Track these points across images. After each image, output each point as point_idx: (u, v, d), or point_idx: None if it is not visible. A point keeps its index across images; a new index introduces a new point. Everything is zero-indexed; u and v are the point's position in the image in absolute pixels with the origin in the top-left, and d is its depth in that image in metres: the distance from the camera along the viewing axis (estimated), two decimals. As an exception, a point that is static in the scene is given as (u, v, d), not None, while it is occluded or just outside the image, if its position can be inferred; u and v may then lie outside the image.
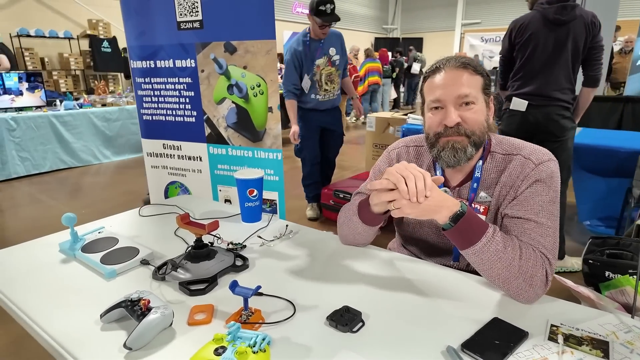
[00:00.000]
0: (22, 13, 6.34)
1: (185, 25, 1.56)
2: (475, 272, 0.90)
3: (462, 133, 0.88)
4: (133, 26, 1.65)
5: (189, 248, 0.95)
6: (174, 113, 1.72)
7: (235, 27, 1.48)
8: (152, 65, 1.68)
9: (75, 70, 6.94)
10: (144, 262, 0.98)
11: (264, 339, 0.65)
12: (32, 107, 4.50)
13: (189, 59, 1.61)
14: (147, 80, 1.72)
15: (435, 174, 0.99)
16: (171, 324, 0.74)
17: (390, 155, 1.08)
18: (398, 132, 3.52)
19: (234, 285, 0.76)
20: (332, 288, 0.87)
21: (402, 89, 10.31)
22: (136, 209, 1.37)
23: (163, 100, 1.72)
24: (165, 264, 0.96)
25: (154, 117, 1.77)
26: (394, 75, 9.18)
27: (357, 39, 13.64)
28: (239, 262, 0.97)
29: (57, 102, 4.78)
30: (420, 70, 9.88)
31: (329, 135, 2.93)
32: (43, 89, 4.60)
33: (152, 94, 1.73)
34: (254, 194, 1.21)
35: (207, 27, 1.53)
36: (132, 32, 1.66)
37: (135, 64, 1.71)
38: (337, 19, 2.42)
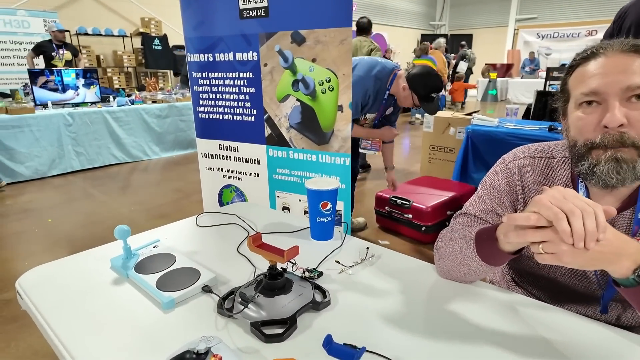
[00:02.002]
0: (80, 12, 6.59)
1: (248, 13, 1.40)
2: (629, 327, 0.66)
3: (629, 143, 0.64)
4: (191, 15, 1.52)
5: (262, 276, 0.78)
6: (232, 111, 1.57)
7: (305, 13, 1.31)
8: (211, 59, 1.54)
9: (127, 67, 7.15)
10: (206, 290, 0.83)
11: None
12: (87, 103, 4.61)
13: (251, 52, 1.45)
14: (204, 75, 1.59)
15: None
16: (248, 385, 0.57)
17: (509, 169, 0.85)
18: (460, 134, 3.24)
19: (328, 343, 0.58)
20: (449, 343, 0.66)
21: (448, 87, 9.84)
22: (193, 217, 1.24)
23: (221, 97, 1.58)
24: (231, 293, 0.80)
25: (210, 116, 1.64)
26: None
27: (403, 36, 13.25)
28: (319, 297, 0.79)
29: (111, 98, 4.88)
30: (469, 69, 9.35)
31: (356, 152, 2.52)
32: (98, 86, 4.70)
33: (209, 91, 1.60)
34: (328, 207, 1.03)
35: (274, 14, 1.36)
36: (190, 22, 1.53)
37: (192, 58, 1.59)
38: (435, 111, 2.08)
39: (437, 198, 2.68)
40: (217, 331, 0.71)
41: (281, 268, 0.86)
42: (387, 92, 2.08)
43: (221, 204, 1.76)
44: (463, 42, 9.46)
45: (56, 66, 4.75)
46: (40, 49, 4.81)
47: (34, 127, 4.02)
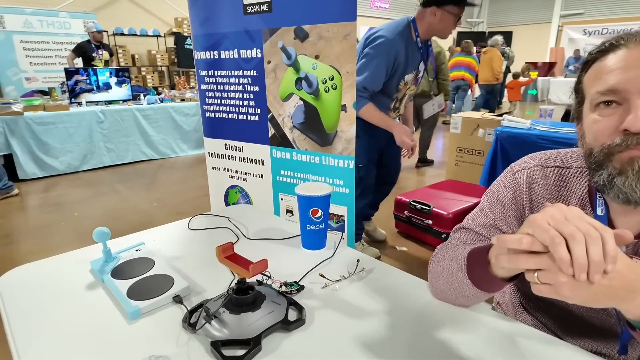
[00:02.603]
0: (118, 13, 6.85)
1: (252, 9, 1.35)
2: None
3: None
4: (198, 11, 1.49)
5: (230, 291, 0.72)
6: (237, 110, 1.53)
7: (308, 8, 1.24)
8: (216, 57, 1.51)
9: (161, 66, 7.36)
10: (177, 300, 0.78)
11: None
12: (119, 100, 4.76)
13: (255, 49, 1.40)
14: (210, 73, 1.56)
15: (595, 213, 0.64)
16: (189, 417, 0.51)
17: (517, 179, 0.74)
18: (489, 136, 3.06)
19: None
20: (426, 381, 0.58)
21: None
22: (186, 220, 1.20)
23: (226, 95, 1.54)
24: (200, 306, 0.74)
25: (216, 115, 1.61)
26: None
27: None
28: (292, 316, 0.72)
29: (141, 96, 5.02)
30: (507, 68, 8.89)
31: (390, 154, 2.22)
32: (129, 84, 4.85)
33: (215, 89, 1.56)
34: (318, 214, 0.95)
35: (277, 9, 1.30)
36: (197, 18, 1.50)
37: (198, 55, 1.56)
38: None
39: (460, 204, 2.54)
40: (177, 347, 0.65)
41: (256, 280, 0.80)
42: (418, 38, 1.82)
43: (227, 204, 1.73)
44: (497, 37, 9.03)
45: (97, 66, 4.96)
46: (80, 50, 5.03)
47: (68, 124, 4.20)
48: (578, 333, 0.70)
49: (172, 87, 7.02)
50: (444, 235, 2.42)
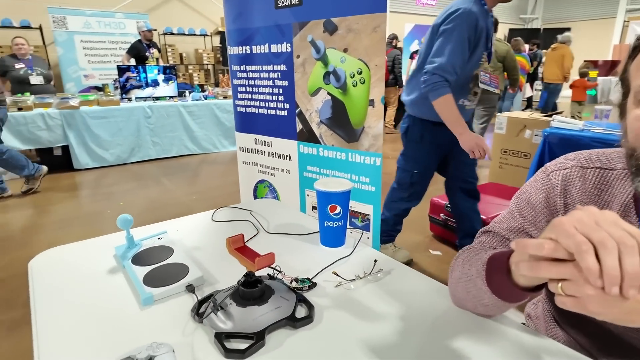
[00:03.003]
0: (168, 14, 7.17)
1: (283, 3, 1.35)
2: None
3: None
4: (231, 7, 1.51)
5: (238, 283, 0.71)
6: (267, 105, 1.54)
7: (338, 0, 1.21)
8: (248, 52, 1.52)
9: (207, 64, 7.62)
10: (189, 289, 0.78)
11: None
12: (166, 97, 4.98)
13: (285, 43, 1.40)
14: (242, 68, 1.57)
15: (640, 222, 0.56)
16: (182, 407, 0.51)
17: (551, 180, 0.67)
18: (537, 137, 2.86)
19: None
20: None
21: (538, 86, 8.88)
22: (211, 211, 1.22)
23: (257, 90, 1.55)
24: (210, 296, 0.74)
25: (247, 109, 1.62)
26: (531, 70, 7.91)
27: (488, 31, 12.27)
28: (300, 313, 0.70)
29: (187, 93, 5.22)
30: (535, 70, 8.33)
31: (457, 161, 1.93)
32: (175, 81, 5.06)
33: (246, 84, 1.58)
34: (337, 211, 0.93)
35: (307, 2, 1.29)
36: (230, 14, 1.52)
37: (232, 50, 1.58)
38: None
39: (501, 208, 2.40)
40: (183, 337, 0.65)
41: (267, 274, 0.79)
42: (485, 6, 1.62)
43: (255, 198, 1.74)
44: (559, 36, 8.49)
45: (150, 64, 5.25)
46: (134, 50, 5.34)
47: (119, 118, 4.45)
48: (616, 354, 0.62)
49: (217, 84, 7.25)
50: (481, 241, 2.29)
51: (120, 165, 4.59)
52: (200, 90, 5.63)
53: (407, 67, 6.34)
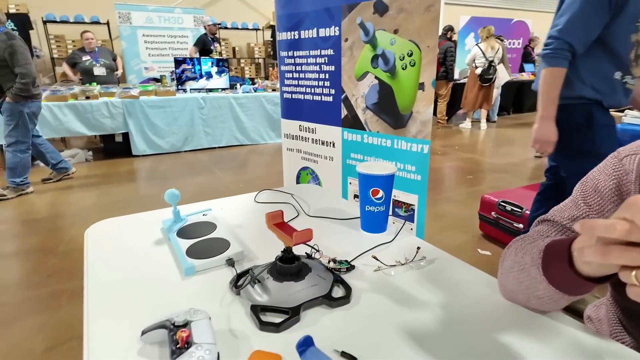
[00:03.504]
0: (223, 8, 7.41)
1: (332, -15, 1.33)
2: None
3: None
4: (281, -7, 1.52)
5: (276, 258, 0.71)
6: (313, 91, 1.53)
7: (388, -21, 1.17)
8: (296, 37, 1.52)
9: (257, 58, 7.79)
10: (230, 263, 0.79)
11: None
12: (218, 89, 5.16)
13: (333, 26, 1.37)
14: (290, 54, 1.57)
15: None
16: (214, 373, 0.51)
17: (624, 166, 0.60)
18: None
19: (305, 344, 0.47)
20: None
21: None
22: (254, 193, 1.23)
23: (303, 76, 1.55)
24: (248, 270, 0.74)
25: (293, 96, 1.62)
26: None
27: (549, 25, 11.45)
28: (337, 293, 0.68)
29: (238, 85, 5.37)
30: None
31: None
32: (228, 74, 5.22)
33: (293, 70, 1.58)
34: (379, 195, 0.90)
35: (357, -16, 1.26)
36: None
37: (280, 36, 1.59)
38: None
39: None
40: (220, 307, 0.66)
41: (305, 253, 0.78)
42: None
43: (299, 185, 1.75)
44: None
45: (214, 57, 5.52)
46: (201, 43, 5.63)
47: (175, 108, 4.67)
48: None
49: (266, 78, 7.40)
50: (535, 242, 2.14)
51: (174, 153, 4.83)
52: (250, 83, 5.77)
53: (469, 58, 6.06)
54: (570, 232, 0.62)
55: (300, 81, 1.57)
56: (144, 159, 4.56)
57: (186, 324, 0.55)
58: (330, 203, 1.15)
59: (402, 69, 1.20)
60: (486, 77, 5.97)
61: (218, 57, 5.35)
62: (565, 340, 0.57)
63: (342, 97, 1.43)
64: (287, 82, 1.63)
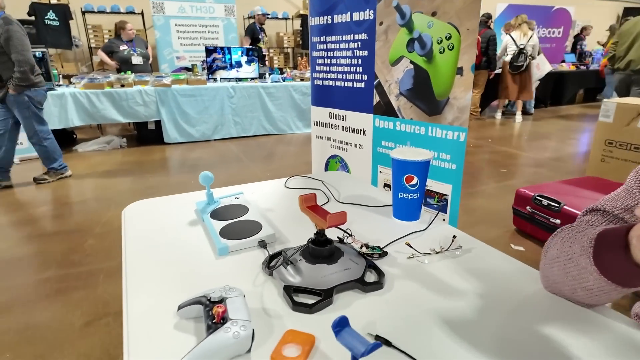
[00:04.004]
0: (253, -2, 7.42)
1: (368, -32, 1.29)
2: None
3: None
4: (315, -24, 1.49)
5: (309, 241, 0.70)
6: (344, 77, 1.50)
7: (428, -42, 1.12)
8: (329, 22, 1.49)
9: (287, 48, 7.78)
10: (262, 244, 0.79)
11: None
12: (247, 78, 5.20)
13: (368, 10, 1.34)
14: (322, 39, 1.55)
15: None
16: (249, 349, 0.51)
17: None
18: (653, 127, 2.47)
19: (340, 325, 0.46)
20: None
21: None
22: (284, 179, 1.24)
23: (335, 62, 1.52)
24: (280, 253, 0.74)
25: (324, 82, 1.61)
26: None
27: (595, 12, 10.86)
28: (369, 277, 0.67)
29: (266, 75, 5.39)
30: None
31: None
32: (257, 63, 5.24)
33: (325, 55, 1.56)
34: (414, 182, 0.87)
35: (394, -35, 1.22)
36: (314, -17, 1.50)
37: (313, 21, 1.57)
38: None
39: (600, 204, 2.11)
40: (253, 287, 0.67)
41: (337, 237, 0.77)
42: None
43: (328, 174, 1.73)
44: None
45: (260, 47, 5.64)
46: (251, 32, 5.73)
47: (205, 97, 4.75)
48: None
49: (295, 67, 7.39)
50: (573, 239, 2.05)
51: (204, 141, 4.92)
52: (279, 72, 5.78)
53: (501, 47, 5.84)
54: (623, 222, 0.58)
55: (331, 67, 1.55)
56: (176, 147, 4.67)
57: (222, 301, 0.55)
58: (360, 190, 1.13)
59: (440, 53, 1.15)
60: (515, 65, 5.69)
61: (248, 47, 5.38)
62: (614, 335, 0.54)
63: (375, 83, 1.39)
64: (318, 68, 1.61)
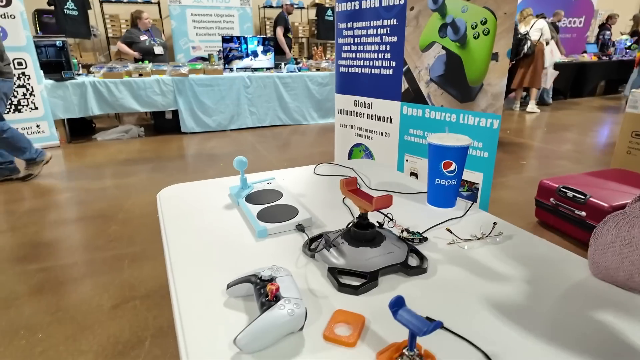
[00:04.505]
0: (269, -13, 7.37)
1: (399, -49, 1.26)
2: None
3: None
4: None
5: (350, 224, 0.70)
6: (371, 64, 1.49)
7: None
8: (357, 7, 1.47)
9: (301, 37, 7.74)
10: (299, 228, 0.80)
11: None
12: (263, 68, 5.19)
13: (397, -5, 1.32)
14: (349, 25, 1.53)
15: None
16: (302, 328, 0.52)
17: None
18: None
19: (397, 305, 0.46)
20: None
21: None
22: (312, 166, 1.23)
23: (362, 48, 1.51)
24: (320, 236, 0.75)
25: (349, 69, 1.59)
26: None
27: (617, 2, 10.51)
28: (412, 261, 0.67)
29: (282, 64, 5.37)
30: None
31: None
32: (273, 53, 5.22)
33: (351, 42, 1.54)
34: (451, 168, 0.86)
35: (427, -52, 1.19)
36: (342, -32, 1.48)
37: (339, 7, 1.55)
38: None
39: (627, 196, 2.07)
40: (296, 268, 0.67)
41: (377, 222, 0.77)
42: None
43: (351, 162, 1.73)
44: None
45: (290, 37, 5.67)
46: (282, 21, 5.73)
47: (222, 87, 4.76)
48: None
49: (310, 57, 7.34)
50: (599, 231, 2.01)
51: (220, 131, 4.95)
52: (295, 62, 5.75)
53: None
54: None
55: (358, 54, 1.53)
56: (192, 137, 4.71)
57: (272, 279, 0.56)
58: (390, 177, 1.13)
59: (474, 38, 1.13)
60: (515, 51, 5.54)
61: (264, 36, 5.36)
62: (673, 323, 0.53)
63: (404, 69, 1.38)
64: (344, 55, 1.60)
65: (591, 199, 2.07)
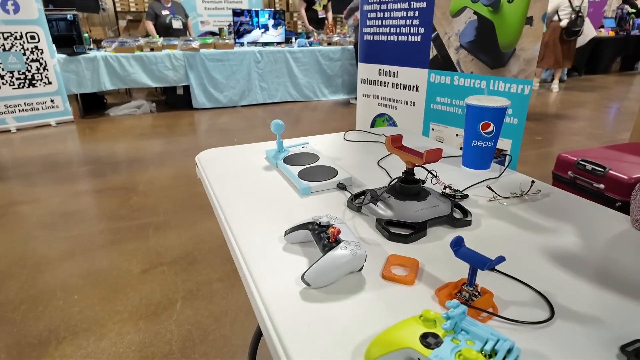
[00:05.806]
0: (278, -41, 7.18)
1: None
2: None
3: None
4: None
5: (396, 180, 0.72)
6: (398, 31, 1.47)
7: None
8: (384, -27, 1.45)
9: (311, 12, 7.58)
10: (341, 187, 0.82)
11: (509, 350, 0.36)
12: (274, 42, 5.12)
13: (428, -41, 1.30)
14: (375, -9, 1.51)
15: None
16: (361, 268, 0.55)
17: None
18: None
19: (458, 244, 0.49)
20: (626, 300, 0.49)
21: None
22: (342, 133, 1.25)
23: (389, 15, 1.49)
24: (363, 193, 0.77)
25: (375, 37, 1.58)
26: None
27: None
28: (457, 214, 0.69)
29: (293, 39, 5.30)
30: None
31: None
32: (284, 27, 5.15)
33: (377, 9, 1.52)
34: (489, 129, 0.87)
35: None
36: None
37: (365, -28, 1.52)
38: None
39: (646, 170, 2.06)
40: (344, 220, 0.69)
41: (420, 179, 0.79)
42: None
43: (373, 133, 1.74)
44: None
45: (316, 10, 5.54)
46: None
47: (233, 62, 4.72)
48: None
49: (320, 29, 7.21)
50: (619, 204, 2.02)
51: (231, 107, 4.94)
52: (305, 37, 5.67)
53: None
54: None
55: (384, 21, 1.52)
56: (204, 112, 4.71)
57: (329, 225, 0.58)
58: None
59: (508, 2, 1.11)
60: (573, 30, 5.03)
61: (275, 10, 5.26)
62: None
63: (433, 36, 1.36)
64: (369, 22, 1.58)
65: (610, 171, 2.06)
